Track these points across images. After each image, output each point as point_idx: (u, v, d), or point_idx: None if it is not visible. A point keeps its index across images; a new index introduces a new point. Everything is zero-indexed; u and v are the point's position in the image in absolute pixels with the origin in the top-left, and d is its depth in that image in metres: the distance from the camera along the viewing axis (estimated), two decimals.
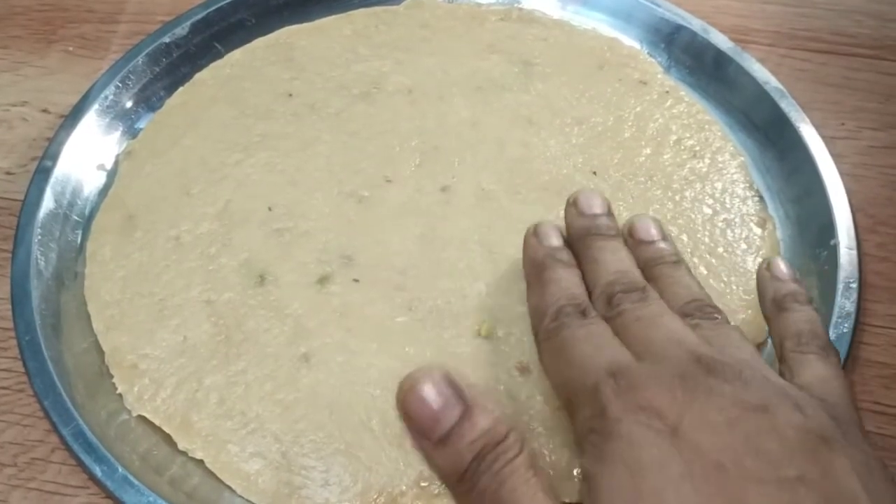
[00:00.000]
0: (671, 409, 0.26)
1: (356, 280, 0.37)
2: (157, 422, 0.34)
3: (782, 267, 0.34)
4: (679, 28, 0.47)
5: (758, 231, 0.40)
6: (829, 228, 0.38)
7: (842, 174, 0.40)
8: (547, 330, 0.31)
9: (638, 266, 0.34)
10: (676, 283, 0.33)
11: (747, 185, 0.41)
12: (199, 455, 0.33)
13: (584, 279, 0.34)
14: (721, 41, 0.46)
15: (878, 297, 0.39)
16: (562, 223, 0.36)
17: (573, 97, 0.44)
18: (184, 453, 0.33)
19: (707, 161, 0.42)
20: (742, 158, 0.42)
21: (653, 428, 0.25)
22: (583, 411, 0.28)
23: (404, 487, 0.32)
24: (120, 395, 0.35)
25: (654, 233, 0.35)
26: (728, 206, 0.40)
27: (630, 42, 0.48)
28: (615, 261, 0.33)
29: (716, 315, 0.32)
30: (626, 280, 0.32)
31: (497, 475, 0.27)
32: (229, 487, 0.33)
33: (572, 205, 0.36)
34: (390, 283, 0.37)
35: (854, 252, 0.38)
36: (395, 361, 0.35)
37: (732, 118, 0.45)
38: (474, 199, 0.40)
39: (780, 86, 0.44)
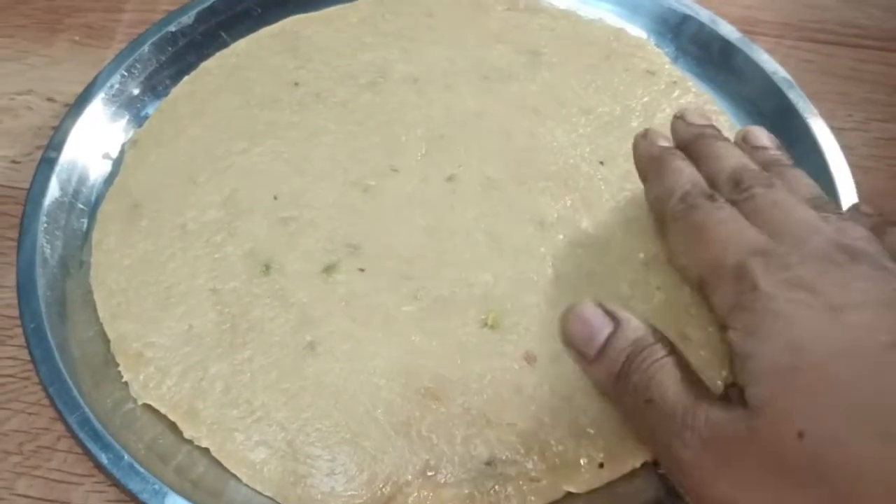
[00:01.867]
0: (828, 289, 0.27)
1: (362, 269, 0.37)
2: (162, 410, 0.34)
3: (762, 137, 0.37)
4: (686, 18, 0.47)
5: None
6: None
7: (850, 165, 0.40)
8: (675, 211, 0.33)
9: None
10: (798, 181, 0.34)
11: None
12: (204, 443, 0.33)
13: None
14: (729, 32, 0.46)
15: None
16: (570, 212, 0.37)
17: (580, 87, 0.44)
18: (189, 442, 0.33)
19: None
20: None
21: (811, 305, 0.26)
22: (725, 288, 0.29)
23: (410, 477, 0.32)
24: (126, 383, 0.35)
25: (767, 140, 0.37)
26: None
27: (637, 32, 0.48)
28: (736, 154, 0.35)
29: (840, 210, 0.32)
30: (752, 168, 0.34)
31: (646, 371, 0.29)
32: (235, 476, 0.33)
33: (679, 118, 0.38)
34: (396, 273, 0.37)
35: None
36: (401, 351, 0.35)
37: (740, 109, 0.44)
38: (480, 189, 0.40)
39: (788, 76, 0.43)
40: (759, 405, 0.26)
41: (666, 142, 0.37)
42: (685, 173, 0.34)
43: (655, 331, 0.30)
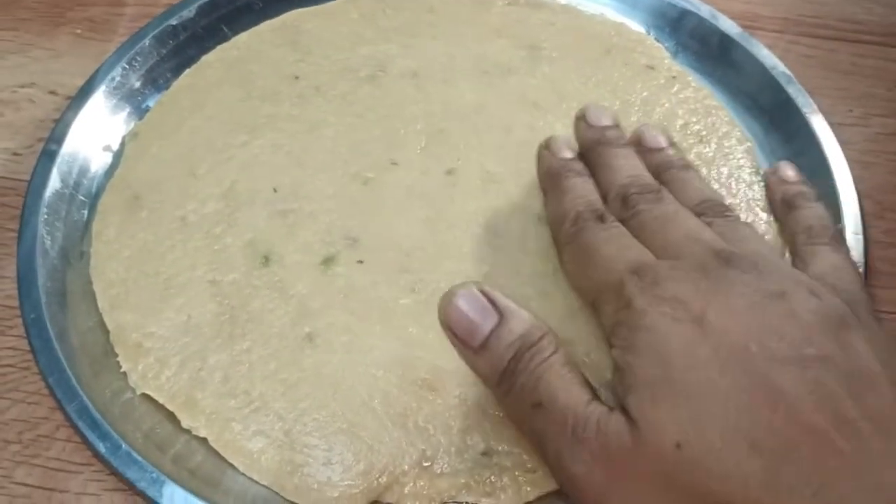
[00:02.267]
0: (695, 300, 0.27)
1: (361, 261, 0.38)
2: (161, 400, 0.34)
3: (789, 170, 0.37)
4: (686, 13, 0.47)
5: (763, 216, 0.39)
6: (835, 213, 0.38)
7: (850, 160, 0.40)
8: (568, 234, 0.34)
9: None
10: (688, 185, 0.35)
11: (753, 170, 0.41)
12: (202, 433, 0.33)
13: (598, 186, 0.36)
14: (729, 27, 0.46)
15: (884, 283, 0.39)
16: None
17: (580, 81, 0.44)
18: (187, 431, 0.34)
19: (713, 146, 0.42)
20: (749, 144, 0.42)
21: (678, 318, 0.27)
22: (608, 307, 0.30)
23: (406, 467, 0.32)
24: (124, 373, 0.35)
25: (661, 141, 0.38)
26: (734, 190, 0.40)
27: (636, 27, 0.48)
28: (628, 166, 0.36)
29: (728, 213, 0.33)
30: (641, 182, 0.34)
31: (533, 372, 0.28)
32: (232, 465, 0.33)
33: (581, 118, 0.38)
34: (395, 265, 0.37)
35: (860, 237, 0.38)
36: (399, 342, 0.35)
37: (739, 103, 0.44)
38: (479, 183, 0.40)
39: (787, 71, 0.43)
40: (637, 417, 0.26)
41: (570, 151, 0.37)
42: (579, 192, 0.35)
43: (540, 323, 0.29)
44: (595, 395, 0.28)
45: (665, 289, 0.28)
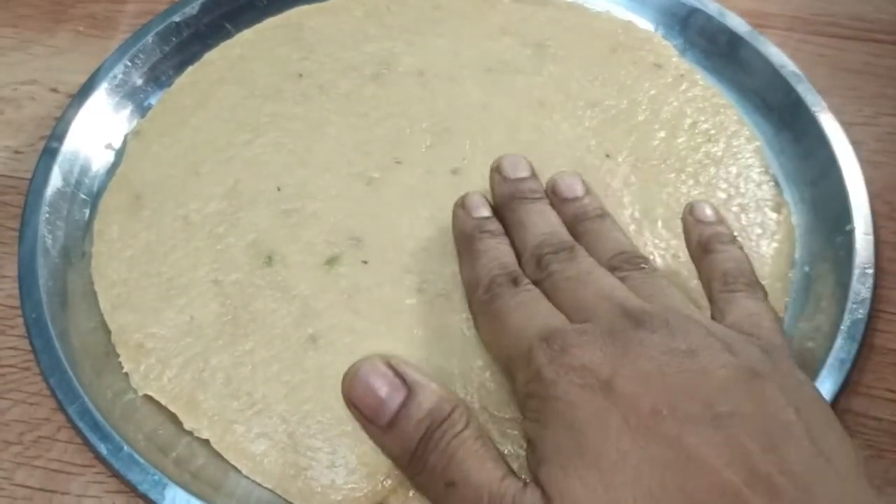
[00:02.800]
0: (603, 366, 0.26)
1: (365, 262, 0.37)
2: (162, 401, 0.34)
3: (706, 210, 0.35)
4: (695, 11, 0.46)
5: (773, 216, 0.39)
6: (845, 213, 0.38)
7: (860, 160, 0.40)
8: (480, 301, 0.33)
9: (564, 224, 0.35)
10: (603, 237, 0.34)
11: (763, 169, 0.41)
12: (204, 435, 0.33)
13: (513, 244, 0.35)
14: (737, 24, 0.45)
15: (895, 284, 0.39)
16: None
17: (586, 80, 0.44)
18: (189, 433, 0.33)
19: (722, 145, 0.41)
20: (758, 143, 0.42)
21: (587, 386, 0.26)
22: (520, 377, 0.29)
23: None
24: (126, 374, 0.35)
25: (577, 189, 0.36)
26: (743, 190, 0.40)
27: (645, 24, 0.47)
28: (541, 223, 0.35)
29: (643, 265, 0.32)
30: (554, 240, 0.33)
31: (445, 450, 0.27)
32: (235, 468, 0.32)
33: (496, 171, 0.37)
34: (399, 266, 0.37)
35: (871, 238, 0.37)
36: (403, 344, 0.35)
37: (748, 101, 0.44)
38: (485, 182, 0.39)
39: (797, 70, 0.43)
40: (550, 491, 0.25)
41: (485, 209, 0.36)
42: (492, 255, 0.34)
43: (450, 395, 0.28)
44: (509, 470, 0.27)
45: (573, 356, 0.27)
